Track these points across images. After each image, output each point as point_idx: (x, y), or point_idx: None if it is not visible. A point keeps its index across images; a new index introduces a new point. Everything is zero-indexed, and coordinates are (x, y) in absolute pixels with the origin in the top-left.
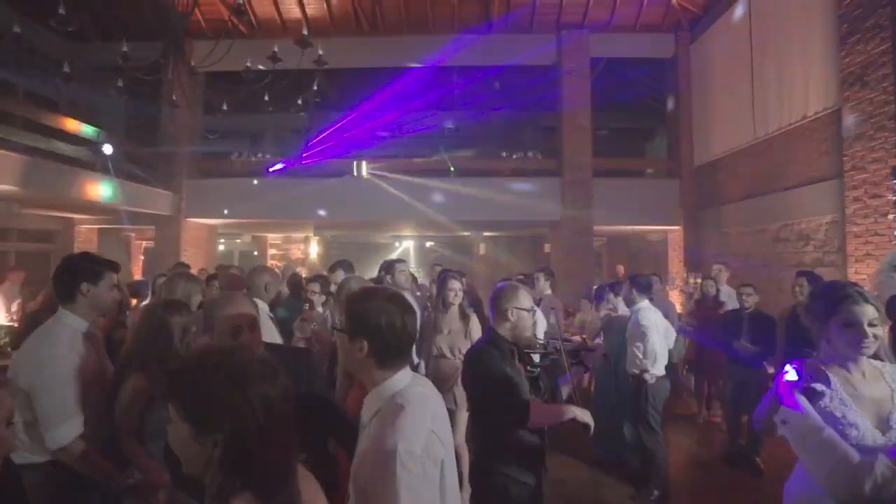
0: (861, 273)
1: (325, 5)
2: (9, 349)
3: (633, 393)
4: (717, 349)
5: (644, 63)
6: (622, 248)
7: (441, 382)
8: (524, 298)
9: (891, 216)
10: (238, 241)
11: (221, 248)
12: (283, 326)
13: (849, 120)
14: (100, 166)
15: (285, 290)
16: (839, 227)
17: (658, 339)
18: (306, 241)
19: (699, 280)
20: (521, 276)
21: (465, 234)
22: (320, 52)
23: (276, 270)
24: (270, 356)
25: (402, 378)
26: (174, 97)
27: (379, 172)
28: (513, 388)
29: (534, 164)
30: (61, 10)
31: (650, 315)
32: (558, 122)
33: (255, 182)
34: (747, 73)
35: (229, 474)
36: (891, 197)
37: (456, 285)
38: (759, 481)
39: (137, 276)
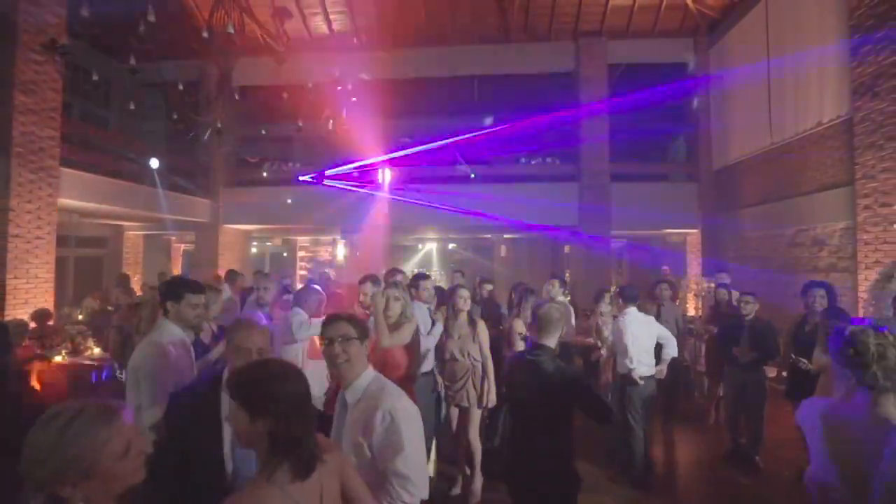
0: (871, 280)
1: (349, 21)
2: None
3: (619, 391)
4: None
5: (663, 67)
6: (643, 249)
7: (453, 382)
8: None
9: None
10: (269, 243)
11: (254, 250)
12: None
13: (861, 128)
14: (148, 179)
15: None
16: (851, 234)
17: (643, 343)
18: (334, 243)
19: (712, 284)
20: (529, 288)
21: (487, 236)
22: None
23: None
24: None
25: (369, 373)
26: (219, 126)
27: (403, 180)
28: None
29: (552, 170)
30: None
31: (631, 321)
32: (576, 127)
33: (286, 191)
34: (764, 79)
35: (273, 446)
36: None
37: (465, 293)
38: (757, 479)
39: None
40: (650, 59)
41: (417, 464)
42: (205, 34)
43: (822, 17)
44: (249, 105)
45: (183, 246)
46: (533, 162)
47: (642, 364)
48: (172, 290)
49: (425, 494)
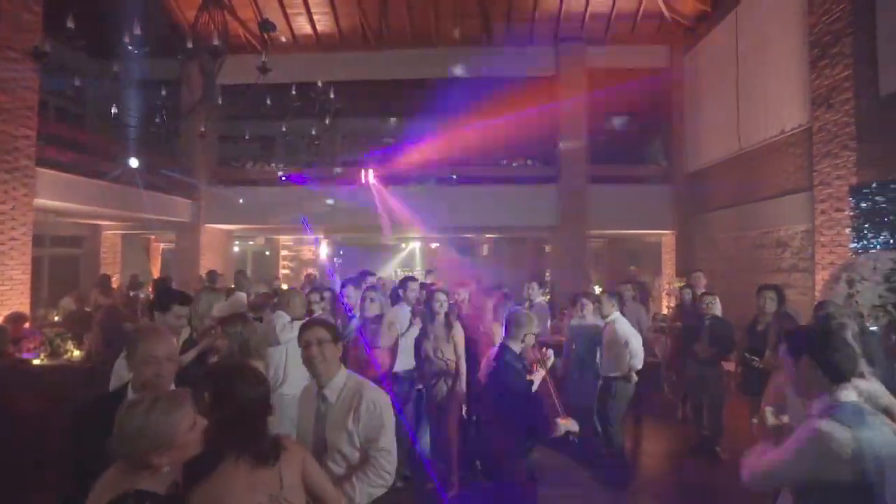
0: (826, 279)
1: (333, 21)
2: None
3: (603, 392)
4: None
5: (641, 72)
6: (622, 248)
7: (427, 381)
8: (534, 329)
9: (848, 230)
10: (251, 243)
11: (236, 249)
12: None
13: (818, 138)
14: (126, 179)
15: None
16: (810, 237)
17: (637, 344)
18: (317, 242)
19: (681, 284)
20: (506, 290)
21: (469, 235)
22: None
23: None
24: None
25: (343, 371)
26: (203, 129)
27: (385, 181)
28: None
29: (532, 172)
30: (70, 24)
31: (626, 325)
32: (556, 130)
33: (269, 191)
34: (733, 87)
35: (231, 436)
36: (849, 212)
37: (441, 297)
38: (718, 468)
39: (157, 275)
40: (628, 64)
41: (394, 442)
42: (189, 44)
43: (784, 31)
44: (232, 104)
45: (163, 245)
46: (514, 164)
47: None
48: (162, 300)
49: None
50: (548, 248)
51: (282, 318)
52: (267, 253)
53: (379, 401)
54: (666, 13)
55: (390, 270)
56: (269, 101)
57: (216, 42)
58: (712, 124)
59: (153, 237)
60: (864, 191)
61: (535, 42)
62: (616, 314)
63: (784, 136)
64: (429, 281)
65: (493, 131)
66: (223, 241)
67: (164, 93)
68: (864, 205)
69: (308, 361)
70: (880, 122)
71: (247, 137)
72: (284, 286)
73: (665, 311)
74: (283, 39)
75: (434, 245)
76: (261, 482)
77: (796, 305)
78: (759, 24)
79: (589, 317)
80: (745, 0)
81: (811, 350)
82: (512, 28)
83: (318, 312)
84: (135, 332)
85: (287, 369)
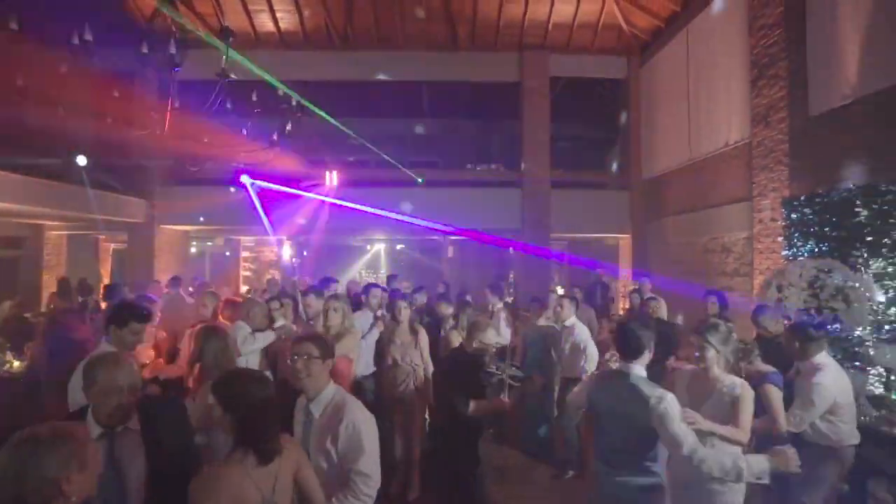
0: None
1: (297, 20)
2: None
3: (561, 393)
4: None
5: (601, 82)
6: (582, 251)
7: (395, 387)
8: (490, 337)
9: (780, 239)
10: (210, 244)
11: (193, 250)
12: None
13: (757, 152)
14: (74, 178)
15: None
16: (750, 243)
17: (594, 350)
18: (279, 244)
19: (635, 286)
20: (466, 299)
21: (435, 237)
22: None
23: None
24: None
25: (331, 388)
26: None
27: (349, 183)
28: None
29: (496, 176)
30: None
31: (584, 330)
32: (520, 136)
33: (229, 191)
34: (685, 100)
35: (240, 435)
36: (782, 222)
37: (402, 304)
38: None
39: (106, 279)
40: (589, 73)
41: (376, 464)
42: (144, 49)
43: (729, 50)
44: (189, 100)
45: (113, 245)
46: (478, 168)
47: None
48: (119, 315)
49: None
50: (512, 250)
51: (242, 329)
52: (227, 253)
53: (359, 423)
54: (624, 26)
55: (355, 272)
56: (229, 105)
57: (172, 50)
58: (666, 134)
59: (103, 237)
60: (795, 203)
61: (499, 48)
62: (574, 318)
63: (729, 149)
64: (394, 286)
65: (459, 135)
66: (180, 242)
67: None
68: (794, 216)
69: (294, 375)
70: (810, 140)
71: (206, 141)
72: (245, 288)
73: (621, 312)
74: (229, 36)
75: (399, 247)
76: (258, 480)
77: (737, 307)
78: (708, 42)
79: (541, 321)
80: (696, 19)
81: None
82: (477, 34)
83: (279, 321)
84: (93, 360)
85: None
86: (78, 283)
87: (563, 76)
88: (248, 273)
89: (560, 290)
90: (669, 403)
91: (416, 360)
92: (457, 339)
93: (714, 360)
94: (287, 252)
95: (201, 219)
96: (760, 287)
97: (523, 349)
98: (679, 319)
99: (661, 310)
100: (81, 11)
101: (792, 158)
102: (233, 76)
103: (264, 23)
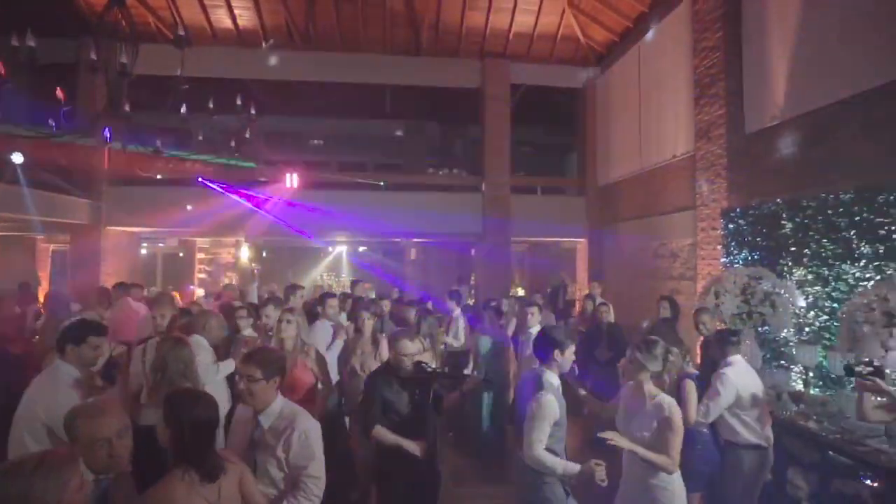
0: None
1: (256, 17)
2: None
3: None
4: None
5: (560, 90)
6: (542, 254)
7: (355, 396)
8: (406, 347)
9: (719, 247)
10: (162, 245)
11: (144, 252)
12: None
13: (700, 165)
14: (8, 176)
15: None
16: (694, 250)
17: None
18: (237, 245)
19: (587, 291)
20: (426, 307)
21: (397, 240)
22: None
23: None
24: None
25: (279, 401)
26: (112, 140)
27: (311, 186)
28: (371, 406)
29: (458, 180)
30: None
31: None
32: (481, 141)
33: (183, 191)
34: (636, 112)
35: (180, 452)
36: (721, 231)
37: (366, 315)
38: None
39: (45, 282)
40: (548, 82)
41: (323, 467)
42: (93, 55)
43: (676, 67)
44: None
45: (52, 247)
46: (441, 172)
47: None
48: (74, 332)
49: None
50: (474, 252)
51: (199, 343)
52: (181, 255)
53: (310, 432)
54: (581, 38)
55: (316, 275)
56: (183, 110)
57: (123, 60)
58: (620, 143)
59: (41, 238)
60: (731, 214)
61: (462, 54)
62: (538, 327)
63: (675, 160)
64: (357, 292)
65: (422, 137)
66: (129, 244)
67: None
68: (731, 226)
69: (241, 392)
70: (745, 156)
71: (158, 144)
72: (201, 291)
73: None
74: (184, 43)
75: (362, 249)
76: (201, 495)
77: (683, 309)
78: (657, 58)
79: (491, 327)
80: (647, 36)
81: None
82: (440, 40)
83: (246, 330)
84: (73, 412)
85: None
86: (19, 288)
87: (524, 84)
88: (203, 276)
89: (521, 292)
90: (540, 404)
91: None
92: (410, 348)
93: (646, 377)
94: (245, 253)
95: (154, 222)
96: (701, 292)
97: (476, 354)
98: (645, 324)
99: (610, 314)
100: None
101: (729, 172)
102: (186, 87)
103: (221, 19)
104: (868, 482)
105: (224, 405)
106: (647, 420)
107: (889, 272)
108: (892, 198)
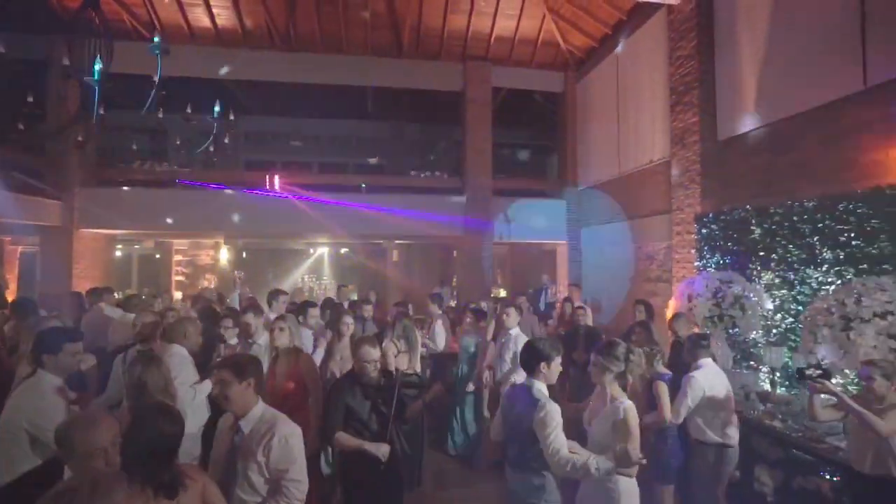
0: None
1: (236, 16)
2: None
3: (496, 399)
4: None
5: (541, 94)
6: (524, 255)
7: None
8: (368, 353)
9: (693, 251)
10: (137, 246)
11: (118, 253)
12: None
13: (675, 170)
14: None
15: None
16: (670, 253)
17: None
18: (216, 247)
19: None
20: (403, 311)
21: (379, 241)
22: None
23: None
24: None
25: (259, 406)
26: (79, 139)
27: (292, 186)
28: (333, 413)
29: (440, 183)
30: None
31: (517, 336)
32: (463, 144)
33: (161, 192)
34: (615, 117)
35: (135, 464)
36: (694, 236)
37: (348, 320)
38: None
39: (13, 284)
40: (528, 86)
41: (304, 470)
42: (66, 61)
43: (653, 74)
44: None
45: (20, 248)
46: (423, 175)
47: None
48: (49, 343)
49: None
50: (456, 253)
51: (181, 356)
52: (157, 256)
53: (290, 436)
54: (562, 44)
55: (297, 277)
56: (161, 113)
57: (98, 66)
58: (599, 147)
59: (8, 239)
60: (704, 219)
61: (443, 57)
62: (517, 329)
63: (652, 165)
64: (340, 295)
65: (404, 139)
66: (103, 246)
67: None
68: (704, 231)
69: (216, 399)
70: (718, 162)
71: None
72: (178, 295)
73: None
74: (156, 26)
75: (343, 250)
76: None
77: (659, 310)
78: (635, 64)
79: (472, 331)
80: (625, 42)
81: None
82: (422, 42)
83: (230, 340)
84: (65, 425)
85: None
86: None
87: (505, 87)
88: (181, 278)
89: (503, 293)
90: (549, 413)
91: None
92: (393, 350)
93: (610, 380)
94: (224, 255)
95: (129, 223)
96: (675, 296)
97: (461, 357)
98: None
99: (588, 317)
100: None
101: (703, 178)
102: (164, 93)
103: (199, 17)
104: (828, 477)
105: (203, 418)
106: (605, 422)
107: (848, 277)
108: (850, 206)
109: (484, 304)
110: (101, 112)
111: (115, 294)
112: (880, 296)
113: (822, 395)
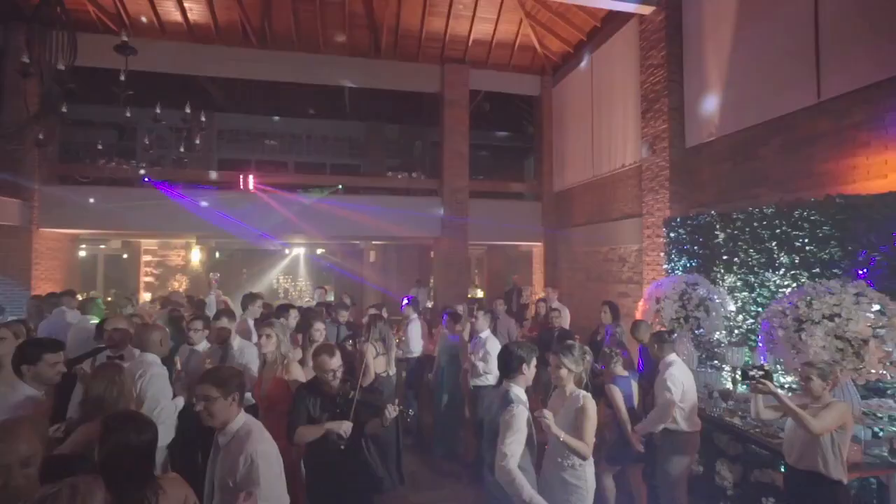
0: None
1: (208, 12)
2: None
3: (473, 400)
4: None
5: (518, 97)
6: (501, 256)
7: None
8: (325, 363)
9: (662, 254)
10: (103, 246)
11: (82, 254)
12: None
13: (644, 150)
14: None
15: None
16: (641, 255)
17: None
18: (188, 247)
19: (542, 295)
20: (378, 314)
21: (356, 242)
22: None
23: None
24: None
25: (239, 419)
26: (40, 137)
27: (267, 187)
28: (296, 417)
29: (418, 184)
30: None
31: (496, 343)
32: (440, 146)
33: (126, 192)
34: (589, 121)
35: (106, 473)
36: (663, 239)
37: (320, 326)
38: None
39: None
40: (505, 89)
41: (276, 490)
42: (26, 58)
43: (625, 81)
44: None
45: None
46: (400, 175)
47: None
48: (28, 354)
49: None
50: (433, 254)
51: (157, 370)
52: (125, 256)
53: (257, 455)
54: (538, 47)
55: (272, 279)
56: (128, 112)
57: (61, 66)
58: (573, 151)
59: None
60: (672, 223)
61: (421, 59)
62: (488, 332)
63: (624, 170)
64: (317, 297)
65: (381, 139)
66: (65, 246)
67: None
68: (672, 234)
69: (199, 414)
70: (685, 169)
71: (100, 145)
72: (147, 296)
73: (530, 318)
74: (144, 20)
75: (319, 251)
76: None
77: (629, 311)
78: (609, 71)
79: (465, 333)
80: (600, 49)
81: None
82: (400, 44)
83: (198, 345)
84: None
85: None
86: None
87: (482, 90)
88: (150, 279)
89: (480, 294)
90: (514, 416)
91: None
92: (371, 352)
93: (567, 379)
94: (196, 255)
95: (94, 223)
96: (644, 298)
97: (438, 359)
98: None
99: (563, 319)
100: None
101: (671, 183)
102: (132, 92)
103: (169, 11)
104: (782, 470)
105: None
106: (568, 415)
107: (803, 280)
108: (804, 213)
109: (460, 307)
110: (64, 110)
111: (79, 297)
112: (829, 298)
113: (764, 395)
